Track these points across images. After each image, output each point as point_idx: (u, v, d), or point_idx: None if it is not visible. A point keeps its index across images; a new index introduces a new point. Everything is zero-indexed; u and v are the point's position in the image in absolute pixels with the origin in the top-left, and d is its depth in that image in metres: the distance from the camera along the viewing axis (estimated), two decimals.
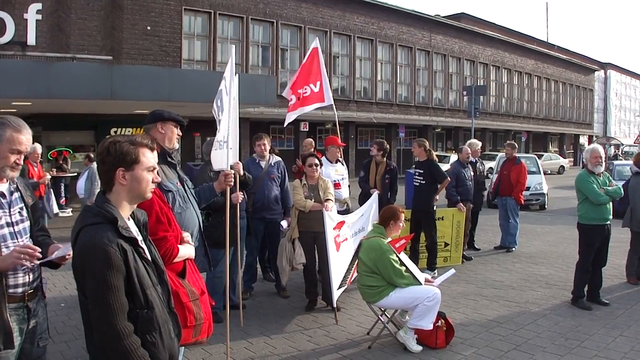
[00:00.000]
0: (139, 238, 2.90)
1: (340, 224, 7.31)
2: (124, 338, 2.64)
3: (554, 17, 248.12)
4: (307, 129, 32.26)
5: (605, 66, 77.75)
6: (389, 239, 6.38)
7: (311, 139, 11.43)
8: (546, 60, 57.71)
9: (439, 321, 6.18)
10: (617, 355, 6.15)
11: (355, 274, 7.14)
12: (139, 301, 2.75)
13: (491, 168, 24.59)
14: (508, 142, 13.18)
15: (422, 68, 42.20)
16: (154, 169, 2.99)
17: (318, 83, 10.08)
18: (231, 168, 5.88)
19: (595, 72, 71.23)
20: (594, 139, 66.78)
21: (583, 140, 67.69)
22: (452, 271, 6.77)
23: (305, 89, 10.06)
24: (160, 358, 2.82)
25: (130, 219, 2.98)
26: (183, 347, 4.20)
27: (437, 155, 10.45)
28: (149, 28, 25.78)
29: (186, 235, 3.97)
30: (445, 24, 43.94)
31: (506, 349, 6.23)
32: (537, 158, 24.83)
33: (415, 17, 40.64)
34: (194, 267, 3.98)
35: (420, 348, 6.08)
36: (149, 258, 2.92)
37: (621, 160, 36.74)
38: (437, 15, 44.83)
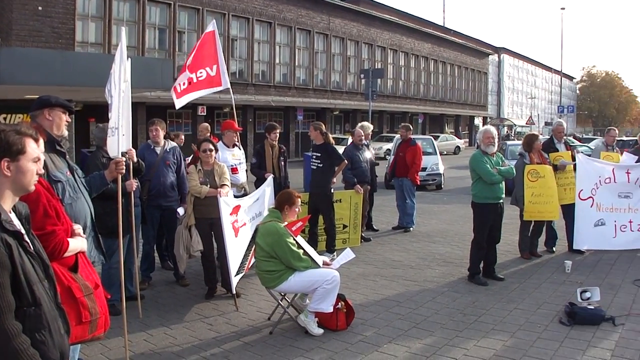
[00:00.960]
0: (23, 231, 2.76)
1: (237, 208, 7.20)
2: (12, 338, 2.49)
3: (450, 2, 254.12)
4: (205, 113, 31.76)
5: (499, 50, 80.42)
6: (286, 223, 6.34)
7: (207, 124, 11.25)
8: (442, 44, 59.15)
9: (339, 303, 6.21)
10: (512, 327, 6.38)
11: (253, 260, 7.08)
12: (25, 298, 2.60)
13: (389, 150, 24.92)
14: (403, 124, 13.39)
15: (321, 51, 42.36)
16: (39, 159, 2.85)
17: (215, 67, 9.89)
18: (124, 155, 5.71)
19: (490, 56, 73.62)
20: (488, 120, 69.06)
21: (478, 121, 69.94)
22: (351, 253, 6.80)
23: (201, 72, 9.85)
24: (51, 356, 2.69)
25: (12, 212, 2.82)
26: (80, 344, 4.06)
27: (335, 138, 10.50)
28: (40, 8, 24.49)
29: (77, 228, 3.80)
30: (343, 8, 44.14)
31: (406, 327, 6.34)
32: (433, 139, 25.41)
33: (314, 1, 40.66)
34: (87, 260, 3.83)
35: (321, 331, 6.10)
36: (34, 252, 2.78)
37: (514, 140, 38.12)
38: None
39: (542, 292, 7.82)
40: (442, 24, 68.16)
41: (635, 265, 9.35)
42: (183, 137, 10.21)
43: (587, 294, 6.84)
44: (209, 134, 10.11)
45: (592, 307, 6.71)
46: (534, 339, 6.05)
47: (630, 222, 10.10)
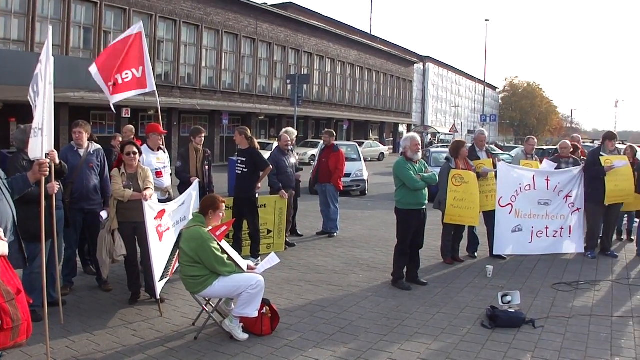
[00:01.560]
0: None
1: (162, 212, 7.11)
2: None
3: (378, 10, 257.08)
4: (129, 115, 31.19)
5: (424, 59, 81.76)
6: (210, 228, 6.30)
7: (132, 126, 11.06)
8: (369, 51, 59.82)
9: (264, 308, 6.22)
10: (436, 331, 6.52)
11: (177, 265, 7.00)
12: None
13: (314, 155, 24.99)
14: (326, 130, 13.50)
15: (248, 55, 42.20)
16: None
17: (141, 68, 9.75)
18: (46, 156, 5.58)
19: (415, 65, 74.89)
20: (413, 127, 70.22)
21: (402, 128, 71.05)
22: (275, 258, 6.80)
23: (127, 74, 9.69)
24: None
25: None
26: (1, 352, 3.94)
27: (261, 143, 10.49)
28: None
29: None
30: (271, 13, 44.17)
31: (331, 332, 6.39)
32: (358, 145, 25.69)
33: (242, 5, 40.49)
34: (8, 265, 3.73)
35: (246, 336, 6.09)
36: None
37: (437, 147, 38.84)
38: (264, 3, 45.03)
39: (465, 296, 8.01)
40: (369, 32, 68.98)
41: (555, 270, 9.70)
42: (120, 138, 10.02)
43: (508, 298, 7.07)
44: (133, 137, 9.95)
45: (513, 311, 6.94)
46: (456, 342, 6.21)
47: (547, 228, 10.57)
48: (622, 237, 12.87)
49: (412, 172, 8.36)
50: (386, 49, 64.90)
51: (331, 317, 6.90)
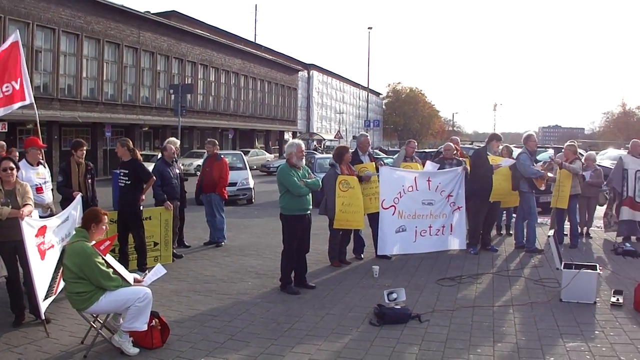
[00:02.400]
0: None
1: (43, 229, 6.87)
2: None
3: (262, 18, 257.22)
4: (6, 130, 29.82)
5: (308, 67, 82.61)
6: (94, 242, 6.19)
7: (2, 142, 10.70)
8: (253, 60, 59.96)
9: (153, 321, 6.16)
10: (325, 332, 6.71)
11: (63, 282, 6.83)
12: None
13: (199, 165, 24.78)
14: (209, 139, 13.49)
15: (130, 65, 41.41)
16: None
17: (19, 80, 9.47)
18: None
19: (299, 72, 75.54)
20: (298, 134, 70.74)
21: (288, 136, 71.49)
22: (162, 269, 6.75)
23: (7, 87, 9.39)
24: None
25: None
26: None
27: (144, 155, 10.38)
28: None
29: None
30: (154, 21, 43.54)
31: (222, 340, 6.43)
32: (243, 154, 25.70)
33: (124, 13, 39.67)
34: None
35: (137, 350, 6.01)
36: None
37: (322, 154, 39.33)
38: (147, 12, 44.31)
39: (352, 296, 8.25)
40: (254, 40, 69.09)
41: (439, 266, 10.18)
42: (17, 153, 9.65)
43: (394, 295, 7.34)
44: (3, 152, 9.62)
45: (399, 307, 7.24)
46: (346, 341, 6.41)
47: (430, 227, 11.05)
48: (502, 232, 13.59)
49: (295, 178, 8.52)
50: (270, 57, 65.28)
51: (222, 326, 6.93)
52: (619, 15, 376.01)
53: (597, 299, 7.98)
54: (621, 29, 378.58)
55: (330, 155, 24.52)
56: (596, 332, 6.79)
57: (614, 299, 7.92)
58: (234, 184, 19.22)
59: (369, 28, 58.03)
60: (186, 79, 46.82)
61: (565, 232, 12.45)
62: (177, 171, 11.38)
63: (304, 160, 8.92)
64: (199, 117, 48.56)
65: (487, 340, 6.47)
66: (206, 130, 52.17)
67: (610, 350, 6.19)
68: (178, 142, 12.27)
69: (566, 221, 12.49)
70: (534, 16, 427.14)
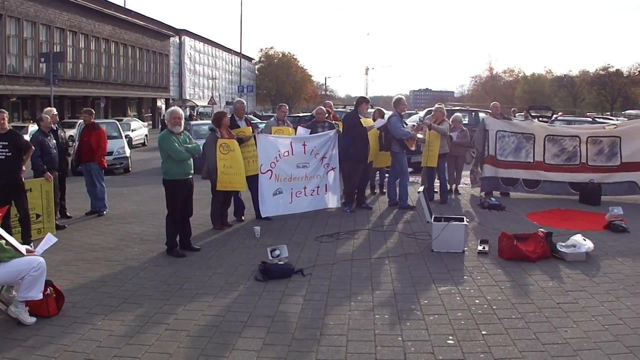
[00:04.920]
0: None
1: None
2: None
3: None
4: None
5: (180, 32, 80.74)
6: None
7: None
8: (124, 26, 58.13)
9: (48, 289, 6.23)
10: (214, 289, 7.03)
11: None
12: None
13: (72, 136, 24.09)
14: (85, 109, 13.36)
15: None
16: None
17: None
18: None
19: (171, 38, 73.90)
20: (171, 102, 69.59)
21: (160, 103, 70.16)
22: (53, 237, 6.81)
23: None
24: None
25: None
26: None
27: (15, 127, 10.21)
28: None
29: None
30: None
31: (116, 303, 6.61)
32: (117, 123, 25.29)
33: None
34: None
35: (34, 319, 6.05)
36: None
37: (196, 120, 39.05)
38: None
39: (237, 256, 8.64)
40: (123, 5, 66.82)
41: (317, 225, 10.77)
42: None
43: (277, 252, 7.83)
44: None
45: (283, 263, 7.71)
46: (235, 296, 6.80)
47: (305, 188, 11.59)
48: (376, 191, 14.32)
49: (176, 144, 8.74)
50: (141, 22, 63.40)
51: (114, 291, 7.10)
52: None
53: (465, 248, 8.81)
54: None
55: (204, 122, 24.65)
56: (465, 277, 7.54)
57: (480, 248, 8.76)
58: (110, 154, 18.97)
59: None
60: (55, 46, 44.71)
61: (435, 190, 13.30)
62: (55, 141, 11.21)
63: (181, 127, 9.08)
64: (69, 86, 46.63)
65: (366, 289, 7.06)
66: (77, 99, 50.39)
67: (477, 291, 6.94)
68: (53, 110, 12.10)
69: (436, 179, 13.32)
70: None
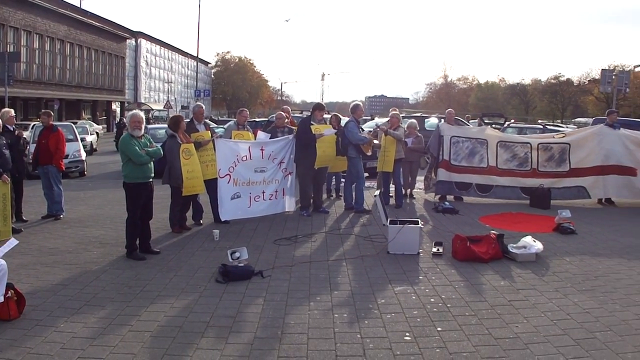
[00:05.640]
0: None
1: None
2: None
3: None
4: None
5: (136, 35, 80.00)
6: None
7: None
8: (80, 26, 57.35)
9: (9, 292, 6.23)
10: (176, 291, 7.13)
11: None
12: None
13: (25, 138, 23.67)
14: (44, 110, 13.35)
15: None
16: None
17: None
18: None
19: (127, 41, 73.15)
20: (126, 105, 68.91)
21: (115, 106, 69.39)
22: (14, 240, 6.84)
23: None
24: None
25: None
26: None
27: None
28: None
29: None
30: None
31: (78, 306, 6.65)
32: (73, 125, 25.05)
33: None
34: None
35: None
36: None
37: (153, 124, 38.72)
38: None
39: (197, 259, 8.76)
40: (79, 5, 65.90)
41: (275, 228, 10.95)
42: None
43: (237, 254, 7.98)
44: None
45: (242, 265, 7.85)
46: (197, 298, 6.92)
47: (263, 192, 11.78)
48: (332, 195, 14.53)
49: (137, 147, 8.83)
50: (97, 24, 62.69)
51: (75, 294, 7.13)
52: None
53: (420, 250, 9.09)
54: (442, 5, 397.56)
55: (160, 125, 24.52)
56: (420, 277, 7.82)
57: (435, 250, 9.05)
58: (65, 157, 18.78)
59: None
60: (8, 46, 43.99)
61: (390, 194, 13.54)
62: (7, 141, 11.07)
63: (142, 130, 9.16)
64: (22, 87, 45.76)
65: (325, 289, 7.27)
66: (30, 101, 49.61)
67: (432, 291, 7.23)
68: (11, 111, 12.09)
69: (391, 184, 13.58)
70: None
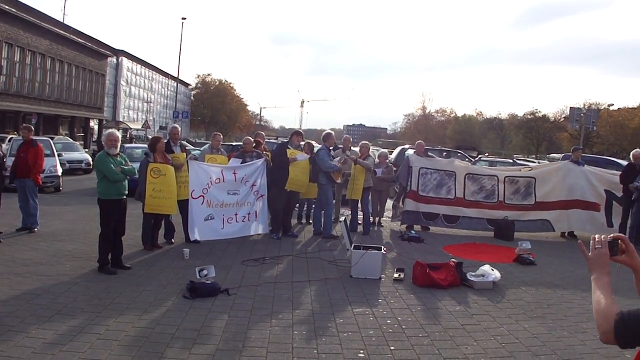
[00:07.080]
0: None
1: None
2: None
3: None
4: None
5: (118, 53, 79.97)
6: None
7: None
8: (61, 42, 57.11)
9: None
10: (144, 305, 7.42)
11: None
12: None
13: (2, 152, 23.70)
14: (25, 125, 13.60)
15: None
16: None
17: None
18: None
19: (109, 58, 73.11)
20: (104, 122, 68.82)
21: (93, 123, 69.25)
22: None
23: None
24: None
25: None
26: None
27: None
28: None
29: None
30: None
31: (50, 314, 6.90)
32: (51, 141, 25.15)
33: None
34: None
35: None
36: None
37: (131, 143, 38.86)
38: None
39: (166, 275, 9.07)
40: (62, 20, 65.94)
41: (244, 249, 11.30)
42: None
43: (205, 272, 8.28)
44: None
45: (210, 282, 8.16)
46: (164, 311, 7.24)
47: (236, 214, 12.13)
48: (302, 221, 14.91)
49: (112, 165, 9.19)
50: (79, 40, 62.60)
51: (47, 303, 7.38)
52: (418, 22, 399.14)
53: (382, 275, 9.47)
54: (421, 36, 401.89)
55: (138, 145, 24.70)
56: (379, 300, 8.19)
57: (396, 275, 9.45)
58: (42, 171, 18.91)
59: (183, 18, 57.73)
60: None
61: (359, 222, 13.92)
62: None
63: (117, 149, 9.51)
64: (0, 100, 45.84)
65: (287, 308, 7.62)
66: (7, 114, 49.44)
67: (390, 313, 7.61)
68: None
69: (359, 211, 13.97)
70: (338, 16, 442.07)
